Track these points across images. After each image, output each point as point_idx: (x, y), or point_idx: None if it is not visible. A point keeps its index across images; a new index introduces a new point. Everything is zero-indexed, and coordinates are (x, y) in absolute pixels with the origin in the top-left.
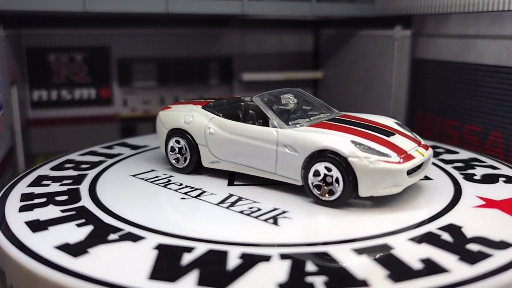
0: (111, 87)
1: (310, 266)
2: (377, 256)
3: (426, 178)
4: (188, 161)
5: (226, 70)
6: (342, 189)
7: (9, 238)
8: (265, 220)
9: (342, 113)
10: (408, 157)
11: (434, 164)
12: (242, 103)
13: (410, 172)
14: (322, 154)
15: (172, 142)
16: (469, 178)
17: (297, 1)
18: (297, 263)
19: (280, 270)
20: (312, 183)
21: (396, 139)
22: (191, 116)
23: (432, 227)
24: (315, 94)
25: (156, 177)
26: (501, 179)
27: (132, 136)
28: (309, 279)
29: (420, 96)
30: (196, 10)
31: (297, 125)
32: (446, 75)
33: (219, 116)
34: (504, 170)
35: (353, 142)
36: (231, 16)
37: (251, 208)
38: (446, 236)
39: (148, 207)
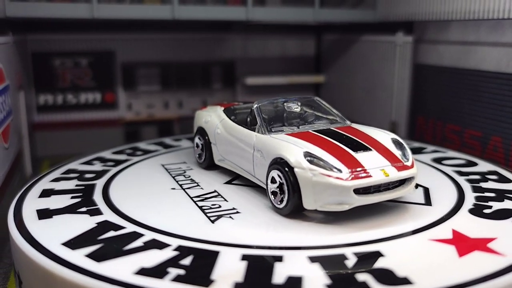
0: (116, 91)
1: (186, 260)
2: (253, 265)
3: (427, 203)
4: (204, 157)
5: (229, 74)
6: (287, 198)
7: (20, 198)
8: (209, 217)
9: (348, 125)
10: (363, 175)
11: (460, 189)
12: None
13: (365, 191)
14: (277, 162)
15: (196, 139)
16: (477, 210)
17: (300, 7)
18: (181, 255)
19: (160, 257)
20: (270, 189)
21: (364, 155)
22: (209, 116)
23: (350, 250)
24: None
25: (179, 168)
26: None
27: (136, 140)
28: (170, 269)
29: (421, 101)
30: (201, 16)
31: (278, 133)
32: (447, 80)
33: (229, 118)
34: None
35: (305, 153)
36: (236, 22)
37: (214, 205)
38: (350, 262)
39: (135, 191)
